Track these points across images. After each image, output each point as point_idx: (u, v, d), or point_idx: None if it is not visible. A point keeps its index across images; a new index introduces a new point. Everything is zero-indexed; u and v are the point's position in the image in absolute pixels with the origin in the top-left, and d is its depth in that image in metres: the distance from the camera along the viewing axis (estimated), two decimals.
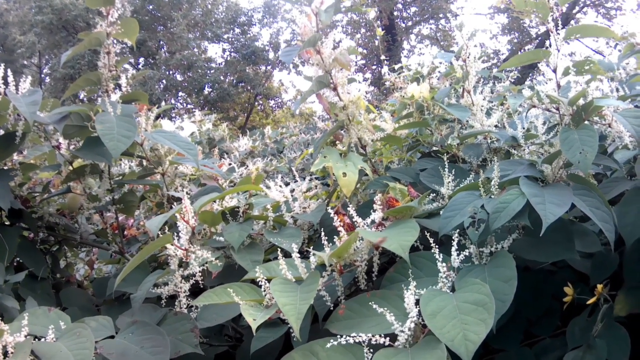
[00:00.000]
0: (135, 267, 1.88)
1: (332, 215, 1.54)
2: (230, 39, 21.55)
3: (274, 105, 22.63)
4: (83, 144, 2.05)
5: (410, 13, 21.00)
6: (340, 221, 1.52)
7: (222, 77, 20.12)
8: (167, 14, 20.21)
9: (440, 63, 2.60)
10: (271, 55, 20.86)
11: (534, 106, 1.96)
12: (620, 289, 1.70)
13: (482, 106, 2.23)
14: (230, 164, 3.53)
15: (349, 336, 1.21)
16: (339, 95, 2.03)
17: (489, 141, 2.22)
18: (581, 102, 1.72)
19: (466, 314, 1.22)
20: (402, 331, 1.22)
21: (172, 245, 1.60)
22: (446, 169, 1.84)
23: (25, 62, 20.90)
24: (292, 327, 1.29)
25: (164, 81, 18.78)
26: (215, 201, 1.96)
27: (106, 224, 2.45)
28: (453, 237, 1.44)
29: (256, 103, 21.80)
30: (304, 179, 2.31)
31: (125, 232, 2.66)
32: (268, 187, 2.15)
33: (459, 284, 1.37)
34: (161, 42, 20.83)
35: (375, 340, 1.22)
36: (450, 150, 2.27)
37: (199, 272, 1.65)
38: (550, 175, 1.69)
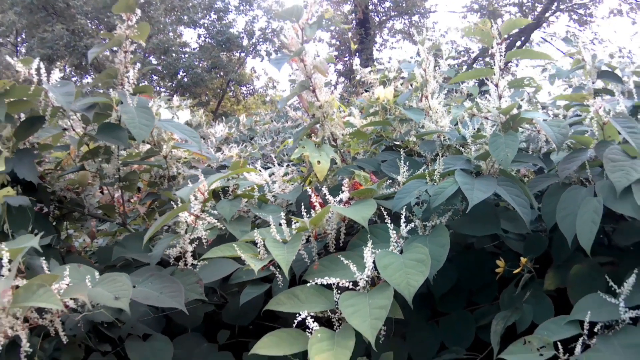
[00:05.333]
0: (135, 236, 2.32)
1: (309, 194, 1.97)
2: (205, 25, 21.65)
3: (245, 92, 22.81)
4: (100, 129, 2.43)
5: (384, 8, 21.27)
6: (316, 198, 1.96)
7: (196, 62, 20.25)
8: None
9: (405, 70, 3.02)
10: (245, 42, 20.98)
11: (474, 115, 2.38)
12: (550, 267, 2.10)
13: (437, 109, 2.65)
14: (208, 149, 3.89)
15: (322, 279, 1.64)
16: (317, 96, 2.45)
17: (442, 139, 2.64)
18: (515, 111, 2.16)
19: (410, 268, 1.65)
20: (362, 278, 1.66)
21: (186, 212, 2.02)
22: (402, 161, 2.26)
23: (1, 41, 20.79)
24: (278, 277, 1.72)
25: (138, 64, 18.78)
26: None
27: (112, 199, 2.83)
28: (402, 213, 1.87)
29: (228, 89, 21.95)
30: (281, 164, 2.71)
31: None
32: (249, 170, 2.56)
33: (406, 248, 1.80)
34: None
35: (342, 284, 1.65)
36: (409, 146, 2.70)
37: (203, 236, 2.07)
38: (485, 169, 2.12)
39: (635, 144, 1.88)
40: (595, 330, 1.70)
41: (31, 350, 1.62)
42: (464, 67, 21.17)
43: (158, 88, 20.96)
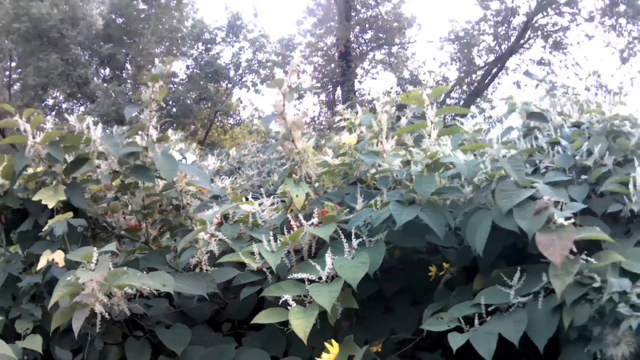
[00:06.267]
0: (155, 252, 3.24)
1: (290, 220, 2.81)
2: (194, 56, 22.32)
3: (232, 123, 23.37)
4: (133, 169, 3.23)
5: (365, 40, 22.02)
6: (295, 222, 2.79)
7: (184, 93, 20.96)
8: (137, 29, 20.92)
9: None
10: (232, 73, 21.66)
11: (409, 161, 3.18)
12: (478, 273, 2.72)
13: (390, 152, 3.44)
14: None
15: (297, 275, 2.48)
16: (296, 145, 3.26)
17: (395, 176, 3.42)
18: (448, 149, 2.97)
19: (356, 267, 2.47)
20: (324, 274, 2.48)
21: (205, 231, 2.85)
22: (359, 194, 3.05)
23: None
24: (269, 277, 2.57)
25: (129, 93, 19.44)
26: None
27: (140, 224, 3.63)
28: (353, 232, 2.69)
29: (215, 119, 22.56)
30: (269, 196, 3.52)
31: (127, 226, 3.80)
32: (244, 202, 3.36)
33: (355, 255, 2.61)
34: (129, 57, 21.49)
35: (311, 278, 2.47)
36: (368, 181, 3.51)
37: (215, 249, 2.90)
38: (418, 200, 2.93)
39: (519, 178, 2.49)
40: (491, 310, 2.39)
41: (101, 321, 2.45)
42: (442, 96, 21.95)
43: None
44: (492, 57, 21.16)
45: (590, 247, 2.30)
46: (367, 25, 21.27)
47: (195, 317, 3.11)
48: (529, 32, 20.75)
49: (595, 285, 2.19)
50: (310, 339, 2.36)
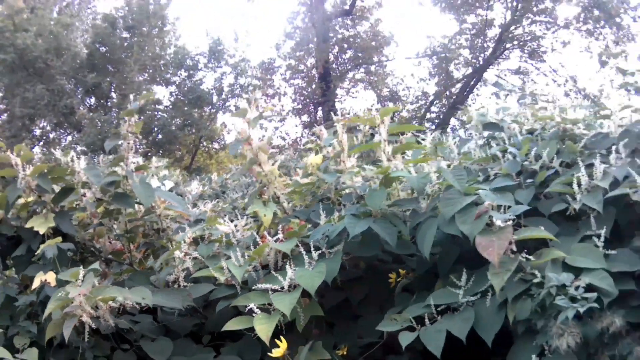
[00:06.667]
0: (138, 273, 3.59)
1: (257, 238, 3.13)
2: (177, 83, 22.45)
3: (217, 147, 23.32)
4: (114, 197, 3.54)
5: (344, 59, 22.21)
6: (262, 239, 3.11)
7: (169, 120, 21.16)
8: (120, 58, 21.05)
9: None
10: (215, 98, 21.79)
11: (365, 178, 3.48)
12: (439, 278, 2.94)
13: (352, 170, 3.70)
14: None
15: (262, 286, 2.79)
16: (262, 168, 3.58)
17: (358, 192, 3.70)
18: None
19: (314, 276, 2.77)
20: (285, 283, 2.79)
21: (179, 250, 3.16)
22: (321, 211, 3.30)
23: None
24: (237, 288, 2.90)
25: (114, 122, 19.47)
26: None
27: (124, 247, 3.94)
28: (312, 245, 2.99)
29: (201, 144, 22.61)
30: (244, 217, 3.82)
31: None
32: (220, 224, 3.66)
33: (315, 267, 2.89)
34: (114, 85, 21.60)
35: (274, 288, 2.78)
36: (333, 198, 3.81)
37: (190, 267, 3.22)
38: (374, 213, 3.17)
39: (460, 186, 2.72)
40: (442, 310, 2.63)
41: (90, 331, 2.77)
42: (422, 110, 22.23)
43: (135, 147, 20.95)
44: (470, 70, 21.46)
45: (539, 246, 2.51)
46: (345, 46, 21.48)
47: (178, 331, 3.40)
48: (505, 43, 20.91)
49: (536, 280, 2.36)
50: (289, 346, 2.68)
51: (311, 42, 20.68)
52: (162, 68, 22.16)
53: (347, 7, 20.79)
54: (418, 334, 2.56)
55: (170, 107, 21.76)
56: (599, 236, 2.50)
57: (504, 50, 21.21)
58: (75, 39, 21.25)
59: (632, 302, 2.34)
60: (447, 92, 21.96)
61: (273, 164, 3.61)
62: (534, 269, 2.41)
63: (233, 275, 3.02)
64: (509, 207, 2.58)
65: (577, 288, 2.23)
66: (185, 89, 21.74)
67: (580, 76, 20.75)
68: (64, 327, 2.70)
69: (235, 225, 3.59)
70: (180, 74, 22.20)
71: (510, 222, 2.45)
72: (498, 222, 2.44)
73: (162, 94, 22.08)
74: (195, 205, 5.48)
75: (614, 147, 2.86)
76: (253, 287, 2.93)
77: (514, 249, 2.43)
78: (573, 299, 2.20)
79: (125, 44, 21.37)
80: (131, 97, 3.62)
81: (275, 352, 2.65)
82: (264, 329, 2.64)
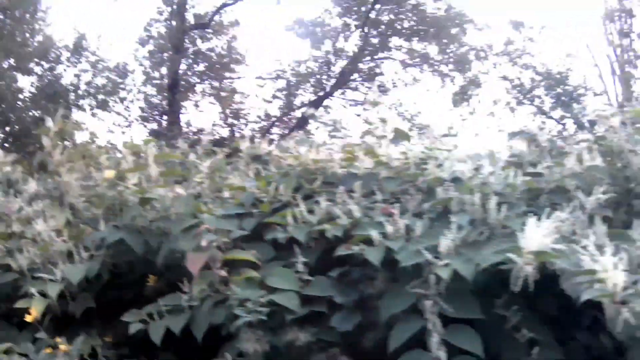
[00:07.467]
0: None
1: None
2: (39, 74, 21.46)
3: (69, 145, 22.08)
4: None
5: (197, 72, 21.56)
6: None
7: (27, 112, 20.29)
8: None
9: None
10: (72, 96, 21.05)
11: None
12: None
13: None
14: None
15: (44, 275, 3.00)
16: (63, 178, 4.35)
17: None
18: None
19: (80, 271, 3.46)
20: (59, 275, 3.20)
21: None
22: (101, 219, 3.71)
23: None
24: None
25: None
26: None
27: None
28: (83, 249, 3.16)
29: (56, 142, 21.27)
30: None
31: None
32: None
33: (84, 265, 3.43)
34: None
35: (51, 279, 2.94)
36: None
37: None
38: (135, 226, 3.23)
39: (185, 210, 3.01)
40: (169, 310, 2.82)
41: None
42: (264, 132, 21.19)
43: None
44: (313, 97, 20.97)
45: (255, 266, 2.77)
46: (199, 58, 21.10)
47: None
48: (350, 74, 20.78)
49: (229, 293, 2.63)
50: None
51: (164, 50, 20.18)
52: (27, 57, 20.62)
53: (205, 21, 20.00)
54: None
55: (29, 99, 20.78)
56: (303, 263, 2.77)
57: (348, 82, 21.05)
58: None
59: (328, 323, 2.64)
60: (288, 116, 21.45)
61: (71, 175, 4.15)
62: (233, 284, 2.67)
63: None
64: (231, 231, 2.92)
65: (260, 304, 2.54)
66: (46, 81, 21.00)
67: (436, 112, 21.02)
68: None
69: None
70: (43, 64, 21.20)
71: (214, 243, 2.78)
72: (203, 242, 2.76)
73: (24, 83, 20.84)
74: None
75: (342, 187, 3.02)
76: (36, 275, 3.19)
77: (211, 265, 2.75)
78: (254, 312, 2.51)
79: None
80: None
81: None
82: (37, 307, 2.97)
